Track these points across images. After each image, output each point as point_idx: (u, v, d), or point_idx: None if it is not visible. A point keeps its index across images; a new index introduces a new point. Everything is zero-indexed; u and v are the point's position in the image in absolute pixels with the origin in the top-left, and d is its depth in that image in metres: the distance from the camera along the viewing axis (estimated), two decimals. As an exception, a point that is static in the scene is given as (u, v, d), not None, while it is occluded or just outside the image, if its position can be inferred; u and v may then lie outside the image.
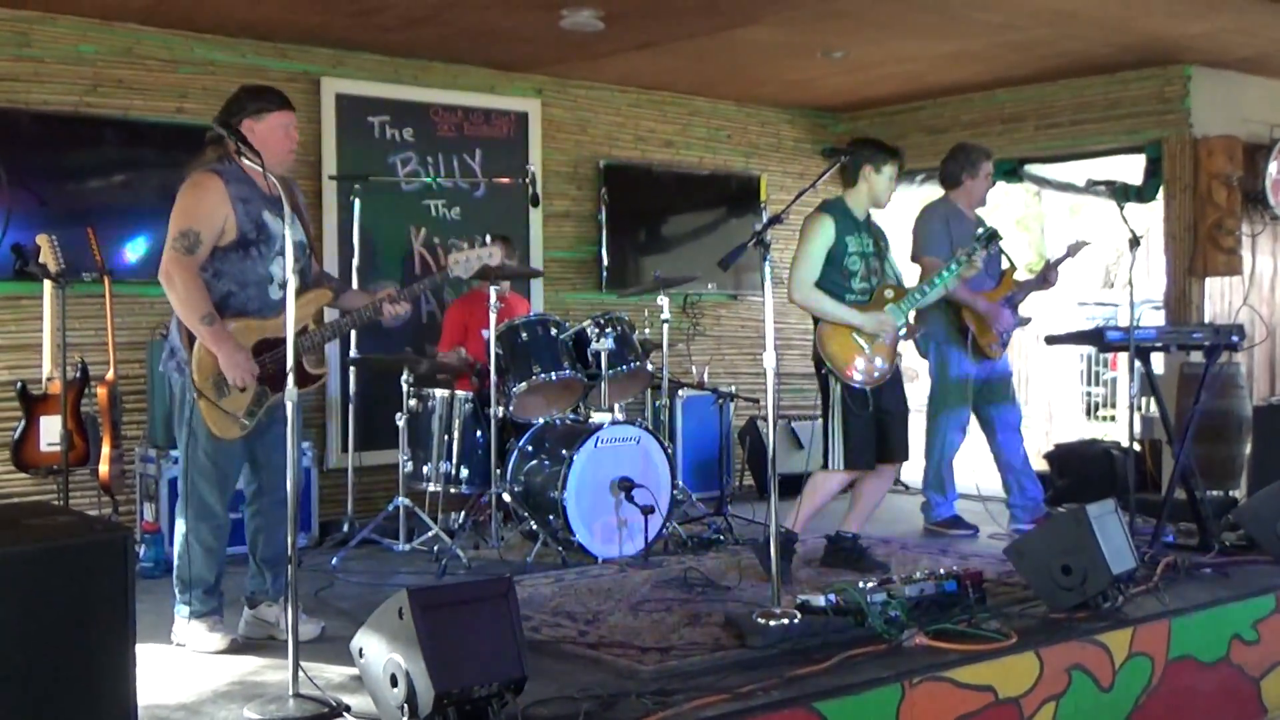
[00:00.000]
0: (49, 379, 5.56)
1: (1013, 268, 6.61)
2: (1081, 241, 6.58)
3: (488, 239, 4.94)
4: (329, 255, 6.81)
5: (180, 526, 4.34)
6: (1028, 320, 6.70)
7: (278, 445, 4.30)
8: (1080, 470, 7.35)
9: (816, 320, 5.43)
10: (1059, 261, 6.55)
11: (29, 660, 2.75)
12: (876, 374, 5.38)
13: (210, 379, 4.19)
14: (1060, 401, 13.37)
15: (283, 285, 4.28)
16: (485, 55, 7.24)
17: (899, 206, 9.08)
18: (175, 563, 4.36)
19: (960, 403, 6.43)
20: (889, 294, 5.46)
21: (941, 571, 4.44)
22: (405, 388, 6.06)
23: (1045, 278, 6.59)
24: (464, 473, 6.03)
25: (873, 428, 5.38)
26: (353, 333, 6.57)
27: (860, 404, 5.34)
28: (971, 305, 6.27)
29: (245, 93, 4.39)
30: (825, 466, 5.42)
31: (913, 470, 6.75)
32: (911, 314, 5.56)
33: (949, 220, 6.38)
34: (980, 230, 5.74)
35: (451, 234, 7.30)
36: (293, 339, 3.73)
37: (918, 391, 6.79)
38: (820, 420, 5.50)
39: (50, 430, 5.52)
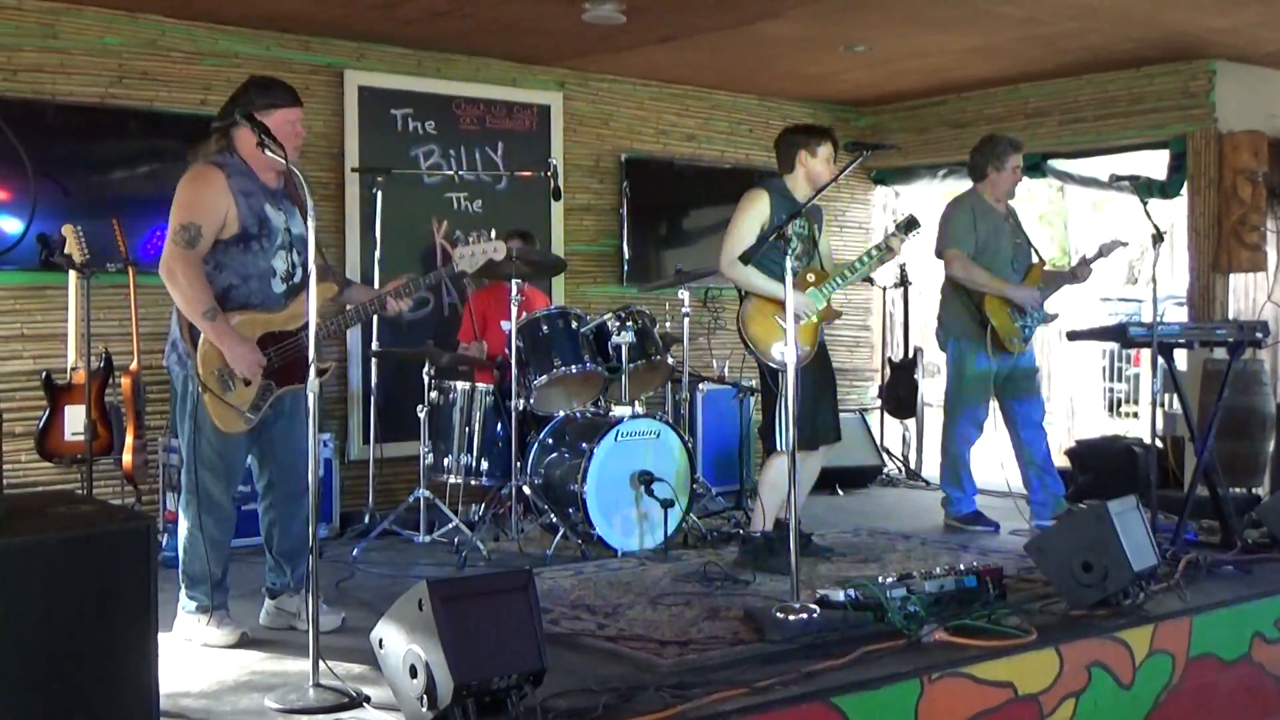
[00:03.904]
0: (73, 369, 5.58)
1: (1041, 261, 6.57)
2: (1116, 241, 6.49)
3: (492, 234, 4.85)
4: (351, 248, 6.84)
5: (184, 521, 4.30)
6: (1054, 316, 6.66)
7: (284, 440, 4.31)
8: (1102, 466, 7.31)
9: (742, 302, 5.40)
10: (1093, 259, 6.48)
11: (52, 649, 2.77)
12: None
13: (215, 372, 4.15)
14: (1082, 397, 13.29)
15: (285, 279, 4.29)
16: (507, 48, 7.24)
17: (924, 202, 9.08)
18: (180, 557, 4.32)
19: (977, 399, 6.38)
20: (810, 278, 5.44)
21: (961, 567, 4.44)
22: (426, 380, 6.09)
23: (1076, 273, 6.56)
24: (484, 465, 6.05)
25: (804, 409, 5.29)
26: (374, 325, 6.62)
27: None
28: (1003, 294, 6.23)
29: (254, 85, 4.27)
30: (775, 449, 5.39)
31: (933, 466, 6.73)
32: (831, 298, 5.50)
33: (975, 213, 6.34)
34: (901, 218, 5.66)
35: (473, 227, 7.30)
36: (315, 328, 3.74)
37: (936, 386, 6.75)
38: (761, 401, 5.45)
39: (74, 420, 5.55)
